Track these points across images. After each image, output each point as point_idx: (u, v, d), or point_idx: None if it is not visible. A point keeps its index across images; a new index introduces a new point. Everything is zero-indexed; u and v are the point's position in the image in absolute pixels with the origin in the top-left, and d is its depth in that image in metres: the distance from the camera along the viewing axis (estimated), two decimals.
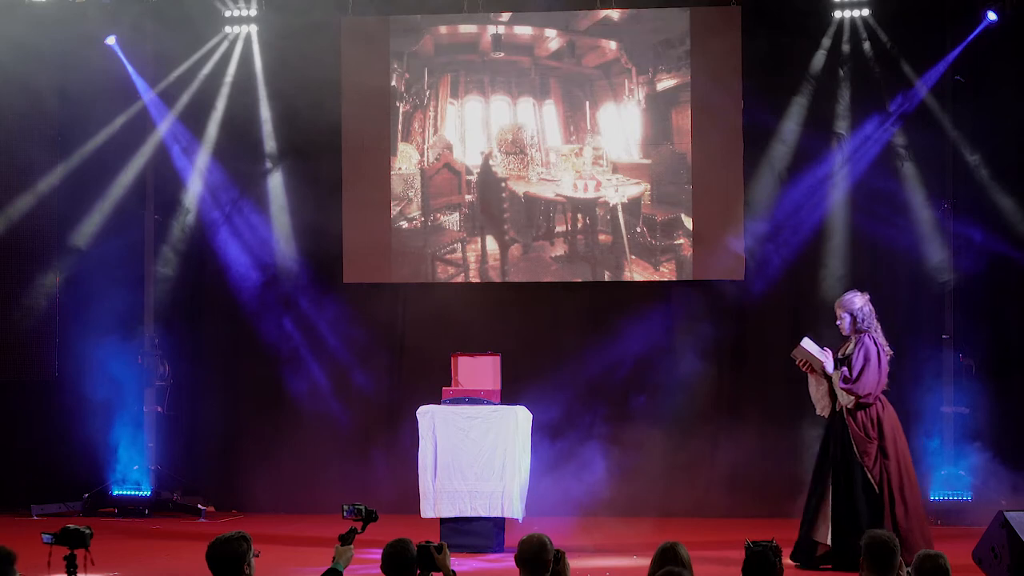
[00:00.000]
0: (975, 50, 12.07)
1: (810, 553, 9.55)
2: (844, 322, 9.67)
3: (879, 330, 9.70)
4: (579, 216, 12.71)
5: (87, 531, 5.66)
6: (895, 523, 9.29)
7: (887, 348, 9.67)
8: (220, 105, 13.10)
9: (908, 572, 5.40)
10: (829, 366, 9.65)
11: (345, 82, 12.86)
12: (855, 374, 9.47)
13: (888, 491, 9.38)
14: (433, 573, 5.67)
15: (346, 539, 5.87)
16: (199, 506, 12.57)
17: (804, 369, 9.78)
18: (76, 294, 12.93)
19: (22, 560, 5.34)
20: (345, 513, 6.17)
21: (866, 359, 9.48)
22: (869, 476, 9.42)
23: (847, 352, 9.66)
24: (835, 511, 9.46)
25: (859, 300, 9.66)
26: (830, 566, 9.47)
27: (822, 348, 9.73)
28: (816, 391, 9.74)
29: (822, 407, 9.72)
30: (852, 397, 9.47)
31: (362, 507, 6.18)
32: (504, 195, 12.79)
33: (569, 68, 12.75)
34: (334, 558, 5.77)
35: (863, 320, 9.62)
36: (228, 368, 13.19)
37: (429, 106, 12.90)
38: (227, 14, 13.00)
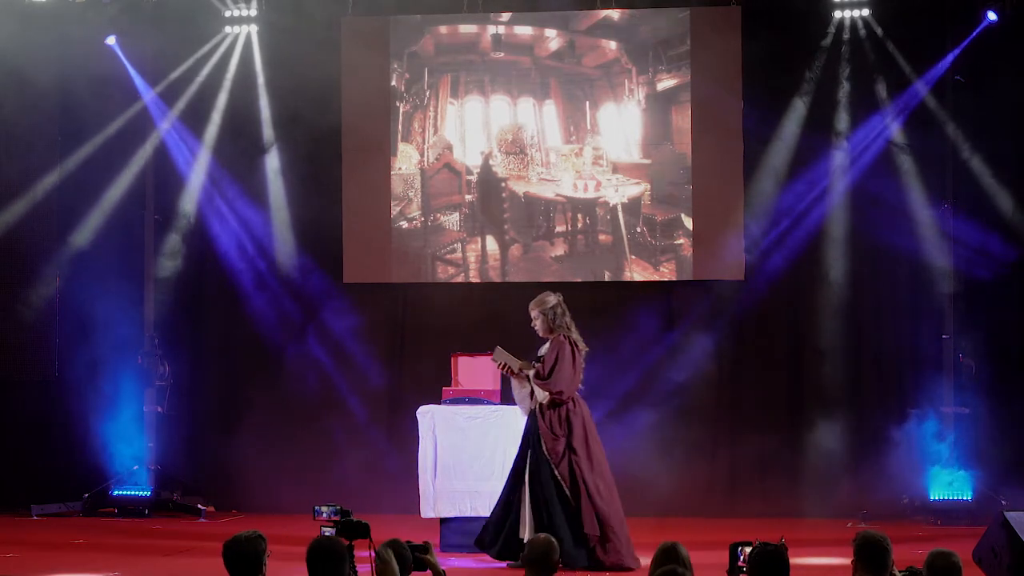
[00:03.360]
0: (975, 50, 12.07)
1: (518, 551, 9.56)
2: (538, 323, 9.76)
3: (573, 328, 9.78)
4: (579, 216, 12.71)
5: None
6: (580, 518, 9.38)
7: (582, 345, 9.75)
8: (220, 105, 13.09)
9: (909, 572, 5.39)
10: (527, 367, 9.74)
11: (345, 82, 12.86)
12: (547, 371, 9.59)
13: (580, 489, 9.45)
14: (415, 574, 5.66)
15: None
16: (199, 506, 12.57)
17: (505, 372, 9.85)
18: (76, 294, 12.92)
19: (24, 558, 5.34)
20: (326, 514, 6.22)
21: (558, 357, 9.58)
22: (556, 473, 9.48)
23: (543, 352, 9.75)
24: (533, 508, 9.53)
25: (552, 299, 9.76)
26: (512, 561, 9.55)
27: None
28: (519, 393, 9.80)
29: (526, 407, 9.77)
30: (547, 393, 9.57)
31: (337, 507, 6.24)
32: (504, 195, 12.79)
33: (569, 68, 12.75)
34: None
35: (555, 319, 9.70)
36: (228, 368, 13.20)
37: (429, 106, 12.90)
38: (227, 14, 12.99)
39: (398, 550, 5.47)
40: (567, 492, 9.48)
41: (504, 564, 9.65)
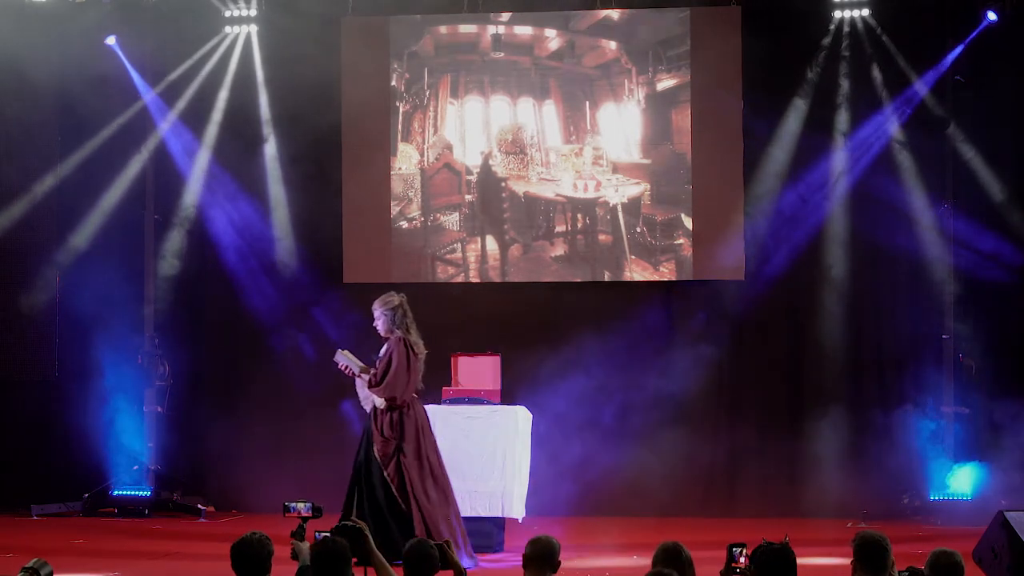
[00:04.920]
0: (975, 50, 12.07)
1: None
2: (379, 323, 9.76)
3: (413, 330, 9.75)
4: (579, 216, 12.71)
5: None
6: (411, 521, 9.44)
7: (419, 349, 9.73)
8: (220, 105, 13.10)
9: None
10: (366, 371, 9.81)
11: (345, 82, 12.86)
12: (379, 377, 9.62)
13: (408, 492, 9.50)
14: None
15: (300, 535, 5.93)
16: (199, 506, 12.58)
17: (348, 374, 9.88)
18: (76, 294, 12.91)
19: (24, 559, 5.35)
20: (302, 509, 6.33)
21: (391, 362, 9.60)
22: (385, 475, 9.54)
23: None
24: (369, 507, 9.57)
25: (395, 300, 9.76)
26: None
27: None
28: (362, 393, 9.84)
29: (369, 406, 9.80)
30: (382, 399, 9.60)
31: (310, 503, 6.37)
32: (504, 195, 12.79)
33: (569, 68, 12.75)
34: (294, 554, 5.79)
35: (395, 320, 9.69)
36: (228, 368, 13.19)
37: (429, 106, 12.90)
38: (227, 14, 12.99)
39: (425, 549, 5.49)
40: (395, 494, 9.51)
41: None
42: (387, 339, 9.75)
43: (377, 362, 9.71)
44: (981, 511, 11.05)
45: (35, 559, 5.07)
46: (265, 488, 12.70)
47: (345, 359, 9.85)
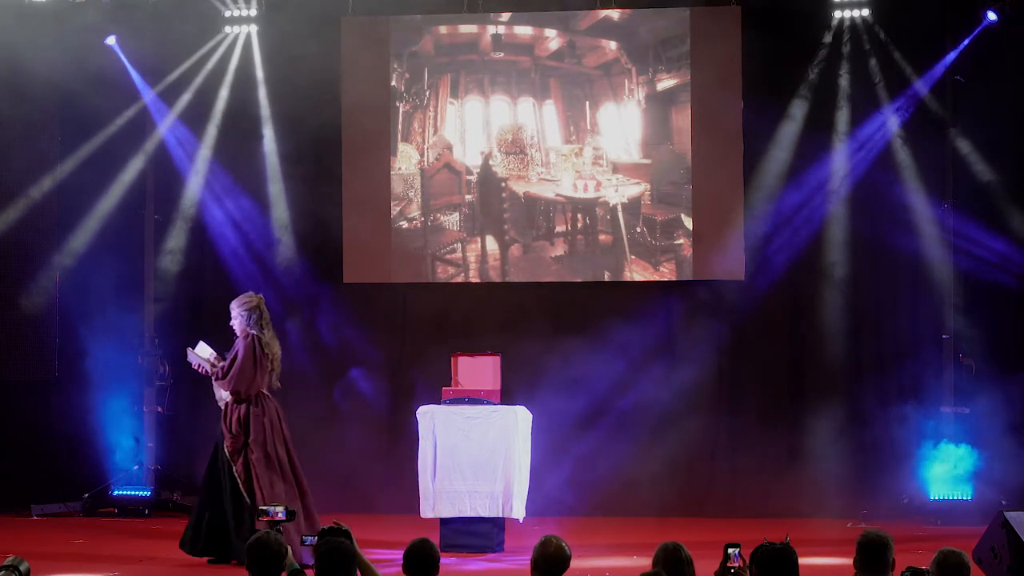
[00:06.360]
0: (975, 50, 12.07)
1: (222, 547, 9.93)
2: (235, 322, 10.01)
3: (267, 330, 10.01)
4: (579, 216, 12.71)
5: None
6: (252, 520, 9.53)
7: (272, 348, 9.98)
8: (220, 105, 13.10)
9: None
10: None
11: (345, 82, 12.86)
12: (225, 371, 9.87)
13: (254, 487, 9.67)
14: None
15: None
16: None
17: (201, 372, 10.09)
18: (76, 294, 12.92)
19: (28, 558, 5.37)
20: (281, 514, 6.44)
21: (237, 357, 9.85)
22: (233, 471, 9.73)
23: None
24: (212, 504, 9.78)
25: (253, 300, 10.03)
26: (213, 557, 9.90)
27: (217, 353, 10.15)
28: (217, 391, 10.03)
29: (224, 404, 9.98)
30: (227, 392, 9.83)
31: (285, 507, 6.49)
32: (504, 195, 12.79)
33: (569, 68, 12.75)
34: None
35: (250, 320, 9.94)
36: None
37: (429, 106, 12.90)
38: (227, 14, 12.99)
39: (426, 548, 5.48)
40: (241, 489, 9.69)
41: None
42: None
43: (227, 358, 9.94)
44: (981, 511, 11.08)
45: (11, 557, 5.10)
46: None
47: (197, 358, 10.10)
